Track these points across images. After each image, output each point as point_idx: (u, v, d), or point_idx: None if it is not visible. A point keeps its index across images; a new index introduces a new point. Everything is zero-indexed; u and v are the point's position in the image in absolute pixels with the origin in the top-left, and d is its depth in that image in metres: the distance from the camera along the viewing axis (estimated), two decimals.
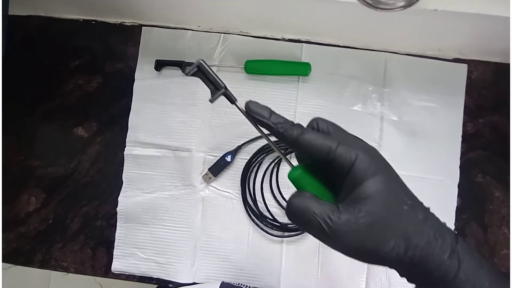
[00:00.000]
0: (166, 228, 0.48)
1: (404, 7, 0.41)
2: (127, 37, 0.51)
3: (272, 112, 0.25)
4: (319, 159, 0.24)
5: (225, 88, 0.27)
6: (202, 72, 0.27)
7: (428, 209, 0.25)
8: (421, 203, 0.25)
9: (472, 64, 0.50)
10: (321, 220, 0.23)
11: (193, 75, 0.27)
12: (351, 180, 0.24)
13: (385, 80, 0.50)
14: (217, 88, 0.27)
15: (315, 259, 0.48)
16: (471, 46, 0.49)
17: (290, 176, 0.27)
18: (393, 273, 0.49)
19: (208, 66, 0.27)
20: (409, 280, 0.25)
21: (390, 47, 0.51)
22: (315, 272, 0.48)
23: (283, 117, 0.25)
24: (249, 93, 0.49)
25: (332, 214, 0.23)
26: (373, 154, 0.25)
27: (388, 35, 0.49)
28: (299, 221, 0.25)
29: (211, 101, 0.27)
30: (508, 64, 0.50)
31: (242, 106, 0.26)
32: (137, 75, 0.50)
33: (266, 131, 0.26)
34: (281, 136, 0.25)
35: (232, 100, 0.28)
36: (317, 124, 0.26)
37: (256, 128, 0.27)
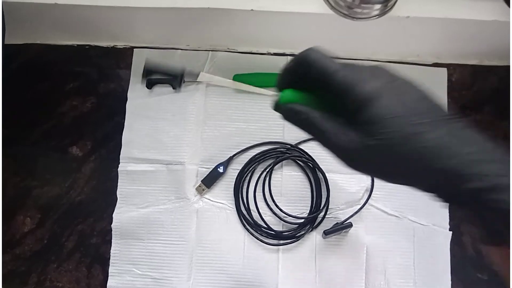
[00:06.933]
0: (161, 243, 0.48)
1: (379, 15, 0.43)
2: (119, 59, 0.53)
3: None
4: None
5: (183, 70, 0.24)
6: (152, 72, 0.23)
7: None
8: None
9: (451, 68, 0.52)
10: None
11: (148, 81, 0.23)
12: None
13: None
14: (175, 76, 0.23)
15: (312, 266, 0.47)
16: (447, 50, 0.52)
17: (283, 99, 0.24)
18: (392, 276, 0.49)
19: (153, 63, 0.23)
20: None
21: (371, 56, 0.53)
22: (313, 280, 0.47)
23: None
24: (238, 105, 0.51)
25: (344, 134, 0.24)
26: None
27: (368, 44, 0.52)
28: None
29: (177, 90, 0.24)
30: (483, 66, 0.53)
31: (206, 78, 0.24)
32: (129, 94, 0.52)
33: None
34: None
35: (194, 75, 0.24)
36: None
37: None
